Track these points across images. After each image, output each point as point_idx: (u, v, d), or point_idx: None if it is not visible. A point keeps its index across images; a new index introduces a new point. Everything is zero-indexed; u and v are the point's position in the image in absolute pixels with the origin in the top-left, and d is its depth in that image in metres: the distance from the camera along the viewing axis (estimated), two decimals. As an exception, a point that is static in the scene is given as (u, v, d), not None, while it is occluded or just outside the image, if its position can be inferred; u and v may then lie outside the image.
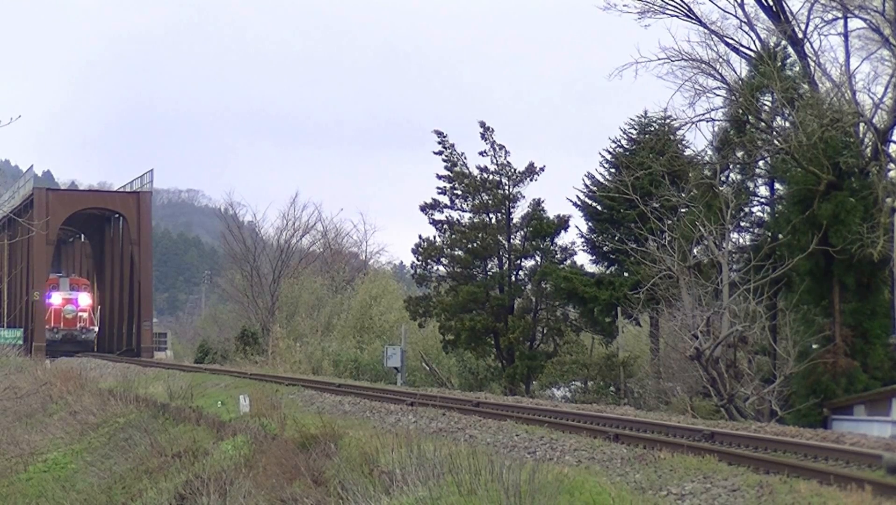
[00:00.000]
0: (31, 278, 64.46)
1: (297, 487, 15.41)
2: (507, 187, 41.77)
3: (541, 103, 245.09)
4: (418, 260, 43.27)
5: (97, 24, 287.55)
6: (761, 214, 36.38)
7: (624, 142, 40.50)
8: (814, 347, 29.03)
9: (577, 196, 40.77)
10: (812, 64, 32.80)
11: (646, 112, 39.97)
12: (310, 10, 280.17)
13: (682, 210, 35.22)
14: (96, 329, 70.35)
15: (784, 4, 33.17)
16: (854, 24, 32.10)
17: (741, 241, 35.60)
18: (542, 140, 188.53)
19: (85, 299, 69.87)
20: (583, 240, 41.27)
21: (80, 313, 68.64)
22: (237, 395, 27.20)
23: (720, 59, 33.88)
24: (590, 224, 40.85)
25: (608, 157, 40.53)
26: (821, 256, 29.24)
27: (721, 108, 33.85)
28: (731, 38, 34.28)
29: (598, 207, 40.24)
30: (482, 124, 41.97)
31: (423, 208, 42.70)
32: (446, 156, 42.43)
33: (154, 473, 21.20)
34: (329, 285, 62.85)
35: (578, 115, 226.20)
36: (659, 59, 33.89)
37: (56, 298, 67.85)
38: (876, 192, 29.14)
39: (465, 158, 42.33)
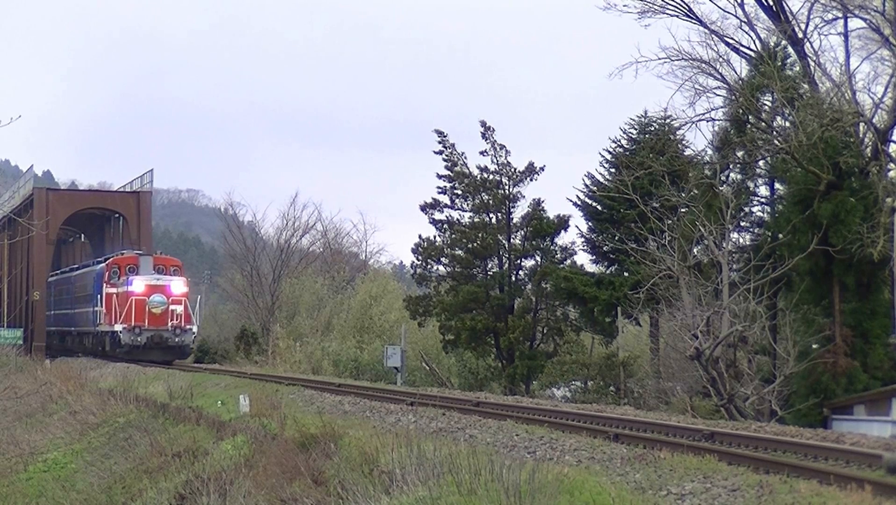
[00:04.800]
0: (31, 278, 64.26)
1: (297, 487, 15.40)
2: (507, 187, 41.84)
3: (540, 102, 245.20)
4: (418, 260, 43.34)
5: (96, 25, 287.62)
6: (761, 214, 36.48)
7: (624, 141, 40.63)
8: (814, 347, 29.05)
9: (577, 196, 40.91)
10: (812, 64, 32.82)
11: (646, 112, 40.16)
12: (312, 7, 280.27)
13: (682, 210, 35.26)
14: (195, 329, 49.74)
15: (784, 4, 33.19)
16: (854, 23, 32.17)
17: (741, 241, 35.69)
18: (542, 139, 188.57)
19: (179, 286, 49.07)
20: (583, 240, 41.40)
21: (172, 306, 48.10)
22: (237, 395, 27.19)
23: (720, 59, 33.92)
24: (590, 224, 40.95)
25: (608, 156, 40.64)
26: (821, 256, 29.26)
27: (721, 107, 33.91)
28: (731, 38, 34.33)
29: (598, 207, 40.33)
30: (483, 124, 42.11)
31: (424, 208, 42.79)
32: (446, 155, 42.52)
33: (154, 472, 21.19)
34: (329, 285, 62.87)
35: (577, 115, 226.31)
36: (659, 58, 33.94)
37: (138, 286, 47.98)
38: (876, 192, 29.16)
39: (466, 158, 42.50)
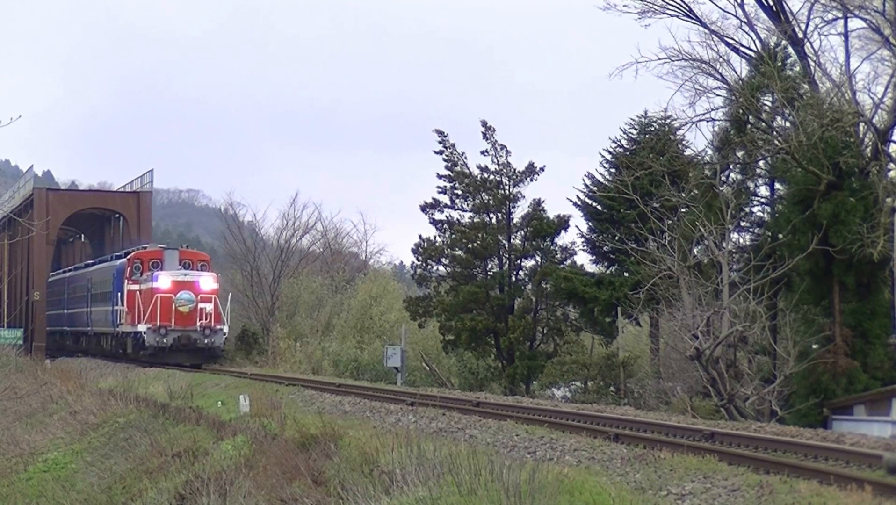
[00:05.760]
0: (32, 278, 64.23)
1: (297, 487, 15.40)
2: (507, 187, 41.84)
3: (540, 102, 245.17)
4: (418, 260, 43.34)
5: (96, 24, 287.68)
6: (761, 214, 36.50)
7: (624, 142, 40.63)
8: (814, 347, 29.07)
9: (578, 196, 40.92)
10: (812, 64, 32.83)
11: (646, 112, 40.14)
12: (313, 7, 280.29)
13: (682, 210, 35.27)
14: (226, 329, 45.25)
15: (784, 4, 33.20)
16: (854, 24, 32.17)
17: (741, 241, 35.70)
18: (542, 139, 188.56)
19: (208, 283, 44.67)
20: (583, 240, 41.41)
21: (201, 305, 43.83)
22: (237, 395, 27.21)
23: (720, 59, 33.91)
24: (590, 224, 40.96)
25: (608, 156, 40.65)
26: (821, 255, 29.28)
27: (721, 108, 33.91)
28: (732, 38, 34.32)
29: (599, 207, 40.34)
30: (483, 123, 42.12)
31: (424, 208, 42.79)
32: (447, 155, 42.52)
33: (154, 473, 21.20)
34: (329, 285, 62.88)
35: (577, 115, 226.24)
36: (659, 58, 33.93)
37: (164, 282, 43.72)
38: (876, 192, 29.18)
39: (466, 158, 42.50)
